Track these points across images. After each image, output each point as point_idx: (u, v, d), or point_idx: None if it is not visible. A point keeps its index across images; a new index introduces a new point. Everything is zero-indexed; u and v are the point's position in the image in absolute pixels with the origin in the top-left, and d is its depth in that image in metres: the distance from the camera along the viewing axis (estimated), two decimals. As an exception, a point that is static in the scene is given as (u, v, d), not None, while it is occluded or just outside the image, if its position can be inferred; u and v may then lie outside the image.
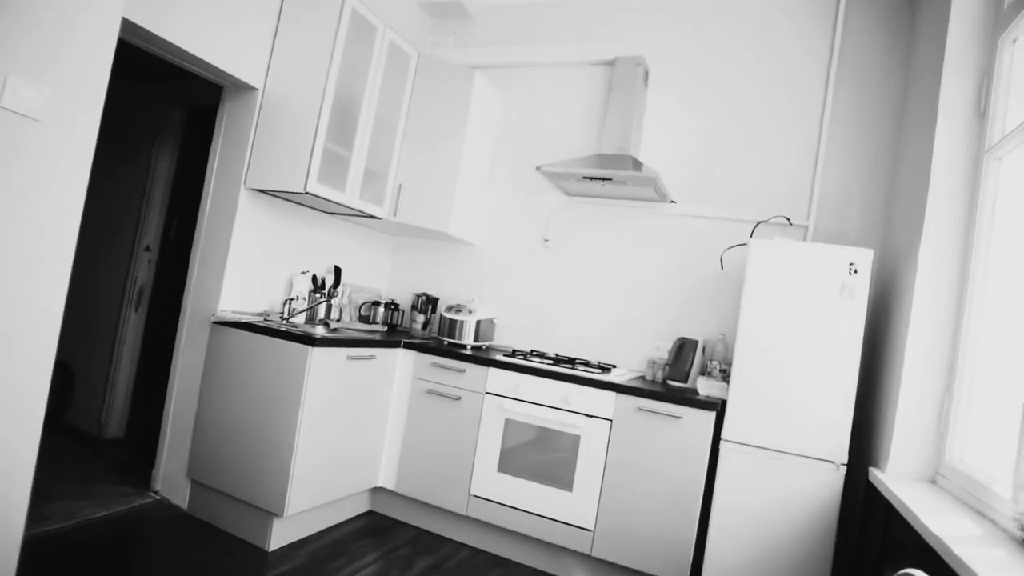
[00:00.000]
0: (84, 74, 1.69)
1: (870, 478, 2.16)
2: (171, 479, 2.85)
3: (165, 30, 2.36)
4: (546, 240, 3.51)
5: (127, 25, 2.20)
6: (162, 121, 3.71)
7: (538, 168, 3.05)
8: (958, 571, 1.23)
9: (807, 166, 2.97)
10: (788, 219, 2.91)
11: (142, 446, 3.40)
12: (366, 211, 3.11)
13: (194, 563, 2.34)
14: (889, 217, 2.74)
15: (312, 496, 2.63)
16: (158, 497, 2.86)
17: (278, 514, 2.50)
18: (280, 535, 2.59)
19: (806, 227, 2.93)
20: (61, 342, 1.76)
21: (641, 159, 3.26)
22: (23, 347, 1.63)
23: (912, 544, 1.58)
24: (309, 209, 3.22)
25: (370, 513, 3.14)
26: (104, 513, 2.63)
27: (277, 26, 2.87)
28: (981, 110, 2.06)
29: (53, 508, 2.58)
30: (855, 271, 2.30)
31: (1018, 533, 1.38)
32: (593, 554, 2.61)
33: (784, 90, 3.06)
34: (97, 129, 1.74)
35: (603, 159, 3.05)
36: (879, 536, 2.02)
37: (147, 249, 3.66)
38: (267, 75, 2.86)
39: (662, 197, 3.12)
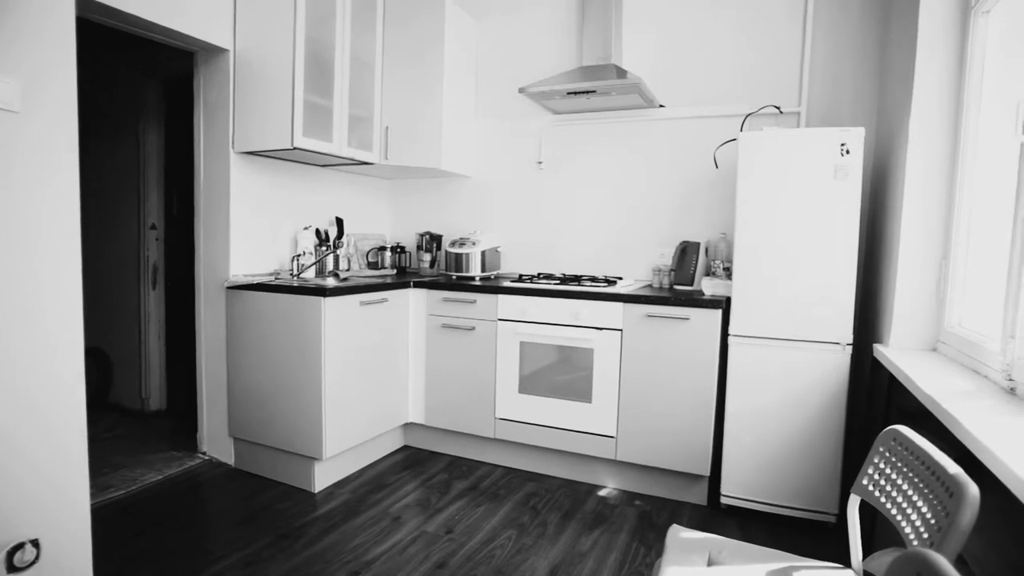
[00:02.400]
0: (49, 57, 1.69)
1: (874, 354, 2.22)
2: (215, 440, 3.02)
3: (122, 1, 2.32)
4: (539, 163, 3.49)
5: (83, 1, 2.17)
6: (142, 98, 3.68)
7: (521, 90, 3.00)
8: (947, 424, 1.29)
9: (794, 51, 2.88)
10: (778, 108, 2.85)
11: (184, 414, 3.58)
12: (357, 158, 3.11)
13: (252, 509, 2.53)
14: (882, 92, 2.67)
15: (347, 438, 2.78)
16: (207, 457, 3.05)
17: (318, 458, 2.66)
18: (323, 477, 2.76)
19: (798, 114, 2.87)
20: (94, 330, 1.85)
21: (625, 66, 3.19)
22: (53, 331, 1.73)
23: (912, 409, 1.65)
24: (301, 164, 3.23)
25: (405, 448, 3.31)
26: (161, 476, 2.82)
27: (235, -19, 2.80)
28: (965, -36, 1.97)
29: (114, 478, 2.78)
30: (847, 151, 2.28)
31: (1006, 383, 1.43)
32: (618, 458, 2.74)
33: (764, -28, 2.93)
34: (76, 111, 1.75)
35: (585, 71, 2.99)
36: (882, 406, 2.10)
37: (153, 228, 3.72)
38: (235, 34, 2.82)
39: (649, 103, 3.07)
